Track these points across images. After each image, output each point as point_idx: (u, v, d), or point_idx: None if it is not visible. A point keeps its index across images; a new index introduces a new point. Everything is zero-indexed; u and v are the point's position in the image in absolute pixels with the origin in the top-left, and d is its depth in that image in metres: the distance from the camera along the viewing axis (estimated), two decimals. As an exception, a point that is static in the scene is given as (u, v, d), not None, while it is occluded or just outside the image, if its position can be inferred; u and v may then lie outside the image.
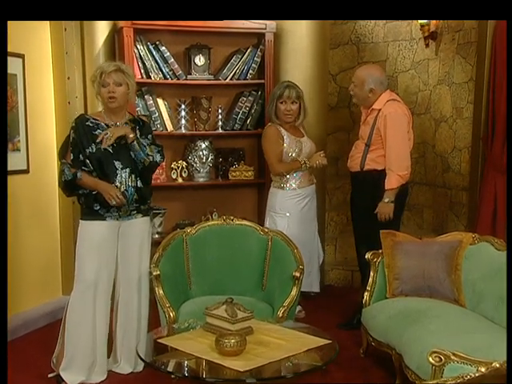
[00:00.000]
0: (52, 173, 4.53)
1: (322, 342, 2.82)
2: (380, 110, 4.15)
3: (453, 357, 2.21)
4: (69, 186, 3.40)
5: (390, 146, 4.09)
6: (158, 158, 3.48)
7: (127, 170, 3.38)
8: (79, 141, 3.36)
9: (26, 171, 4.32)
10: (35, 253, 4.46)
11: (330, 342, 2.83)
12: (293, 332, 2.99)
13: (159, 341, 2.90)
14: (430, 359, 2.23)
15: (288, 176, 4.30)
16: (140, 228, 3.53)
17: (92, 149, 3.34)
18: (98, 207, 3.37)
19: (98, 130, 3.37)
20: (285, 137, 4.29)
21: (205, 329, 2.94)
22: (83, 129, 3.38)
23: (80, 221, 3.46)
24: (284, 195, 4.30)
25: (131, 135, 3.37)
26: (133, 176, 3.40)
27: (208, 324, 2.94)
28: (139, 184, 3.43)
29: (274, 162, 4.29)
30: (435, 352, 2.24)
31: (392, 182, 4.08)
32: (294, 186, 4.31)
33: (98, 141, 3.31)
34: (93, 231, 3.42)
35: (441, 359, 2.22)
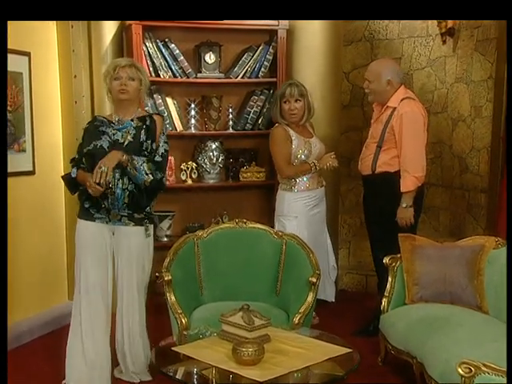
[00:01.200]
0: (58, 174, 4.43)
1: (342, 350, 2.78)
2: (395, 108, 4.10)
3: (483, 367, 2.18)
4: (67, 183, 3.46)
5: (405, 147, 4.04)
6: (158, 175, 3.38)
7: (119, 170, 3.31)
8: (86, 140, 3.41)
9: (32, 173, 4.30)
10: (41, 257, 4.43)
11: (351, 350, 2.79)
12: (311, 340, 2.96)
13: (173, 349, 2.86)
14: (460, 370, 2.19)
15: (296, 178, 4.25)
16: (134, 238, 3.43)
17: (90, 146, 3.36)
18: (88, 205, 3.37)
19: (101, 127, 3.39)
20: (293, 138, 4.24)
21: (220, 336, 2.90)
22: (91, 129, 3.43)
23: (77, 218, 3.48)
24: (292, 197, 4.25)
25: (123, 158, 3.27)
26: (125, 178, 3.33)
27: (223, 331, 2.91)
28: (132, 188, 3.35)
29: (282, 164, 4.24)
30: (465, 363, 2.20)
31: (408, 185, 4.03)
32: (302, 187, 4.26)
33: (95, 180, 3.21)
34: (84, 230, 3.41)
35: (471, 370, 2.18)
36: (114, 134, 3.39)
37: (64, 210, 4.65)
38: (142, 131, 3.41)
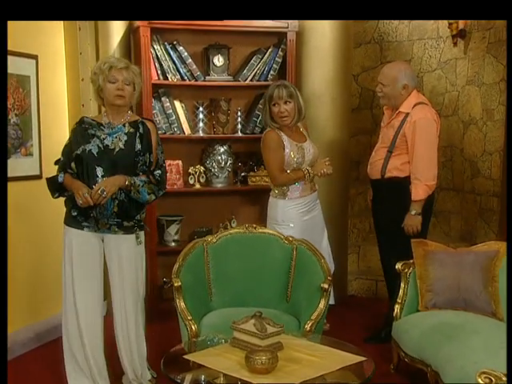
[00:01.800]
0: (65, 179, 4.49)
1: (356, 359, 2.76)
2: (407, 113, 4.07)
3: (504, 378, 2.15)
4: (50, 186, 3.34)
5: (418, 155, 3.99)
6: (160, 192, 3.38)
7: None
8: (73, 142, 3.29)
9: (39, 177, 4.27)
10: (46, 264, 4.38)
11: (366, 359, 2.76)
12: (324, 348, 2.93)
13: (184, 357, 2.84)
14: (480, 380, 2.17)
15: (289, 186, 4.10)
16: (125, 249, 3.34)
17: (79, 150, 3.25)
18: (76, 213, 3.28)
19: (90, 130, 3.28)
20: (285, 143, 4.06)
21: (232, 344, 2.88)
22: (79, 131, 3.31)
23: (64, 224, 3.39)
24: (286, 205, 4.10)
25: (126, 184, 3.22)
26: None
27: (235, 339, 2.88)
28: (122, 197, 3.26)
29: (275, 172, 4.06)
30: (485, 372, 2.17)
31: (419, 193, 4.00)
32: (295, 195, 4.10)
33: (93, 201, 3.14)
34: (71, 238, 3.33)
35: (491, 380, 2.15)
36: (104, 139, 3.27)
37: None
38: (136, 140, 3.30)
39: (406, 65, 4.35)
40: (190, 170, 4.77)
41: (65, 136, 4.54)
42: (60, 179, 3.27)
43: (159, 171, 3.38)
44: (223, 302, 3.68)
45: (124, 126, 3.33)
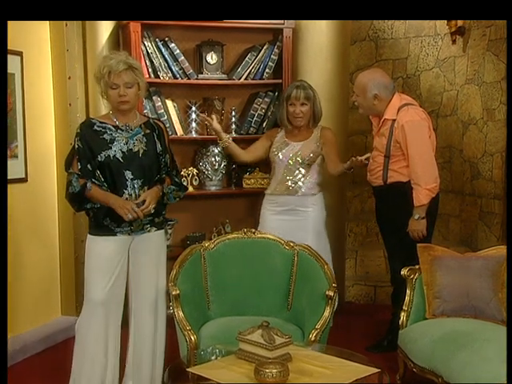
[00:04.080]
0: (52, 181, 4.43)
1: (369, 371, 2.73)
2: (394, 120, 4.04)
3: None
4: (77, 199, 3.24)
5: (413, 159, 3.97)
6: (182, 195, 3.51)
7: (139, 181, 3.25)
8: (87, 149, 3.21)
9: (24, 180, 4.22)
10: (33, 269, 4.34)
11: (379, 370, 2.74)
12: (334, 359, 2.89)
13: (189, 370, 2.79)
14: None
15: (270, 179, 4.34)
16: (155, 243, 3.42)
17: (101, 157, 3.21)
18: (108, 222, 3.25)
19: (106, 134, 3.24)
20: (277, 137, 4.29)
21: (238, 356, 2.84)
22: (90, 135, 3.24)
23: (88, 235, 3.34)
24: (263, 199, 4.34)
25: (160, 193, 3.34)
26: (145, 188, 3.27)
27: (241, 350, 2.84)
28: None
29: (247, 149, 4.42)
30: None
31: (421, 199, 3.98)
32: (269, 191, 4.30)
33: (129, 216, 3.17)
34: (101, 247, 3.29)
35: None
36: (126, 143, 3.26)
37: (57, 220, 4.57)
38: (156, 141, 3.34)
39: (378, 73, 4.23)
40: (182, 173, 4.69)
41: (51, 137, 4.52)
42: (89, 187, 3.19)
43: (175, 172, 3.48)
44: (221, 310, 3.64)
45: (140, 127, 3.33)
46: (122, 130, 3.28)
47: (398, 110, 4.03)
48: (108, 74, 3.20)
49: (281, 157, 4.23)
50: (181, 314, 3.35)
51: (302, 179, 4.23)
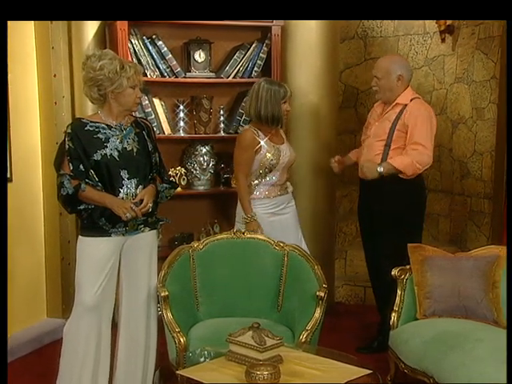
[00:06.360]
0: (37, 181, 4.41)
1: (361, 372, 2.74)
2: (405, 105, 4.06)
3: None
4: (70, 201, 3.21)
5: (419, 137, 3.98)
6: (173, 192, 3.54)
7: (134, 180, 3.26)
8: (80, 149, 3.18)
9: (9, 179, 4.15)
10: (18, 270, 4.29)
11: (371, 372, 2.75)
12: (326, 360, 2.90)
13: (178, 372, 2.79)
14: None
15: (256, 181, 4.10)
16: (147, 242, 3.42)
17: (97, 156, 3.20)
18: (104, 222, 3.23)
19: (100, 134, 3.22)
20: (262, 143, 4.05)
21: (228, 358, 2.83)
22: (83, 135, 3.21)
23: (79, 237, 3.32)
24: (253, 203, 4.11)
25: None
26: (140, 187, 3.28)
27: (231, 352, 2.83)
28: None
29: (239, 174, 4.07)
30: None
31: (405, 166, 3.98)
32: (261, 195, 4.11)
33: (128, 216, 3.17)
34: (94, 249, 3.27)
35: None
36: (120, 142, 3.26)
37: (43, 221, 4.54)
38: (146, 140, 3.37)
39: (400, 57, 4.52)
40: (170, 172, 4.68)
41: (36, 136, 4.48)
42: (83, 188, 3.17)
43: (163, 170, 3.52)
44: (211, 312, 3.64)
45: (132, 126, 3.35)
46: (116, 129, 3.28)
47: (411, 100, 4.08)
48: (135, 73, 3.24)
49: (278, 163, 4.11)
50: (169, 315, 3.34)
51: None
